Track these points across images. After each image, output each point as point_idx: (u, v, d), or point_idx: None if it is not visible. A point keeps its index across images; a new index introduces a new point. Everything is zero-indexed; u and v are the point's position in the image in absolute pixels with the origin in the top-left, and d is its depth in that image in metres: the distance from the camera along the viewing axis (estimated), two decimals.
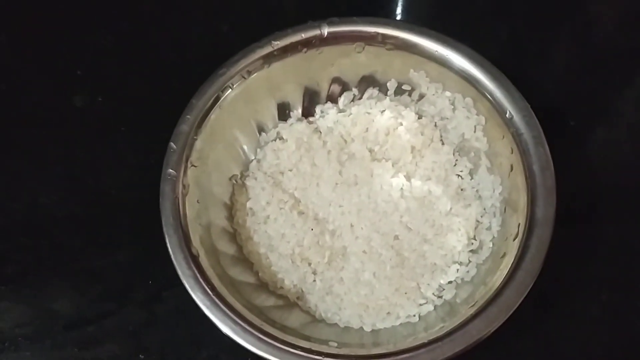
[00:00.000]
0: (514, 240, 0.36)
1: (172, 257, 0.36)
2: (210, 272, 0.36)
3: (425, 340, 0.33)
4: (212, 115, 0.40)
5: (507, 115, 0.38)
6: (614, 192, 0.45)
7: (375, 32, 0.41)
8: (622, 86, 0.51)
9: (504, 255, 0.36)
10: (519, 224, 0.36)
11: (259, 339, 0.34)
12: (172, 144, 0.39)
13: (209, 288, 0.35)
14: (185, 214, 0.37)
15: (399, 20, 0.42)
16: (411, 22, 0.53)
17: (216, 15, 0.54)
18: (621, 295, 0.42)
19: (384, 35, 0.41)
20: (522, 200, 0.37)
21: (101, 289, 0.43)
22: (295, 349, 0.33)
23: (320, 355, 0.33)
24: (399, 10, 0.55)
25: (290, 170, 0.43)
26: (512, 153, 0.38)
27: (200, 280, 0.35)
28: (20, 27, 0.54)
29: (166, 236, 0.36)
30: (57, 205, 0.46)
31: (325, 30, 0.41)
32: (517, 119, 0.38)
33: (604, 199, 0.45)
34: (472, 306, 0.34)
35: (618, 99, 0.50)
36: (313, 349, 0.33)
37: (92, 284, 0.43)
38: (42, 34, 0.54)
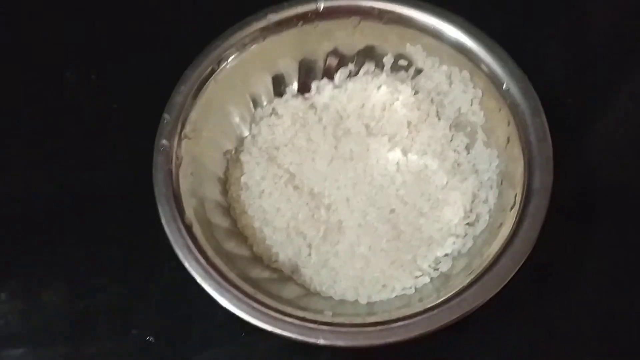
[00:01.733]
0: (511, 210, 0.35)
1: (165, 226, 0.35)
2: (203, 242, 0.35)
3: (421, 309, 0.33)
4: (207, 88, 0.40)
5: (503, 87, 0.38)
6: (611, 189, 0.44)
7: (370, 6, 0.41)
8: (619, 83, 0.50)
9: (501, 225, 0.36)
10: (515, 195, 0.36)
11: (253, 307, 0.33)
12: (165, 114, 0.38)
13: (202, 257, 0.34)
14: (178, 185, 0.37)
15: None
16: None
17: None
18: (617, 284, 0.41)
19: (380, 9, 0.41)
20: (518, 171, 0.36)
21: (93, 265, 0.42)
22: (290, 318, 0.33)
23: (315, 324, 0.33)
24: None
25: (286, 146, 0.42)
26: (508, 125, 0.38)
27: (194, 249, 0.35)
28: (9, 3, 0.54)
29: (159, 206, 0.36)
30: (48, 181, 0.45)
31: (322, 4, 0.41)
32: (514, 90, 0.38)
33: (602, 196, 0.44)
34: (469, 274, 0.34)
35: (615, 96, 0.50)
36: (308, 317, 0.33)
37: (84, 260, 0.42)
38: (33, 9, 0.53)
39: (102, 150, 0.47)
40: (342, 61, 0.44)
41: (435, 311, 0.32)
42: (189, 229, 0.35)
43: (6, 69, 0.51)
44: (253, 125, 0.44)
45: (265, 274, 0.39)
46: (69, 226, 0.44)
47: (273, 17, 0.41)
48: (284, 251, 0.40)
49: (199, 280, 0.34)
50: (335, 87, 0.44)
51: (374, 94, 0.43)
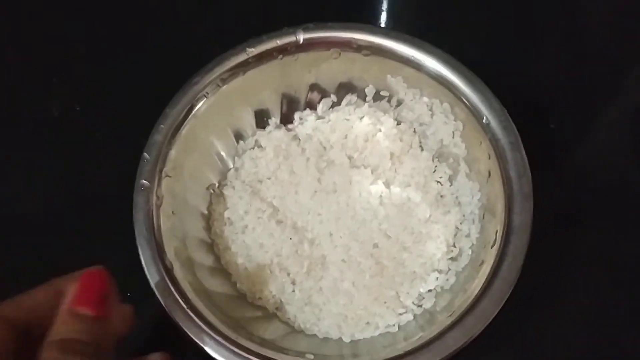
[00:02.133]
0: (492, 247, 0.35)
1: (145, 269, 0.35)
2: (184, 285, 0.35)
3: (402, 352, 0.33)
4: (187, 125, 0.40)
5: (484, 121, 0.38)
6: (596, 194, 0.45)
7: (350, 37, 0.41)
8: (604, 87, 0.50)
9: (482, 263, 0.36)
10: (497, 231, 0.35)
11: (234, 352, 0.33)
12: (145, 154, 0.38)
13: (182, 300, 0.34)
14: (159, 226, 0.37)
15: (374, 25, 0.41)
16: (394, 24, 0.53)
17: (192, 22, 0.54)
18: (602, 298, 0.41)
19: (359, 41, 0.41)
20: (499, 206, 0.36)
21: None
22: None
23: None
24: (383, 13, 0.54)
25: (269, 179, 0.42)
26: (489, 159, 0.38)
27: (174, 292, 0.34)
28: None
29: (139, 248, 0.36)
30: (30, 215, 0.45)
31: (301, 37, 0.41)
32: (494, 124, 0.37)
33: (586, 202, 0.44)
34: (450, 315, 0.34)
35: (600, 100, 0.50)
36: None
37: None
38: (18, 41, 0.53)
39: (85, 181, 0.47)
40: (324, 93, 0.44)
41: (417, 354, 0.32)
42: (169, 271, 0.35)
43: None
44: (236, 159, 0.43)
45: (249, 311, 0.39)
46: (50, 262, 0.43)
47: (252, 51, 0.41)
48: (267, 287, 0.39)
49: (180, 323, 0.34)
50: (318, 117, 0.44)
51: (357, 124, 0.43)
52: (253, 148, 0.44)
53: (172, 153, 0.39)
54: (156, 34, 0.53)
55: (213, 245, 0.41)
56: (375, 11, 0.55)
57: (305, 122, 0.44)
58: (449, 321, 0.33)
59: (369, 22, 0.53)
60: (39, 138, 0.49)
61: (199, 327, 0.34)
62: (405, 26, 0.55)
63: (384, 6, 0.54)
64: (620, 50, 0.51)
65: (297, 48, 0.41)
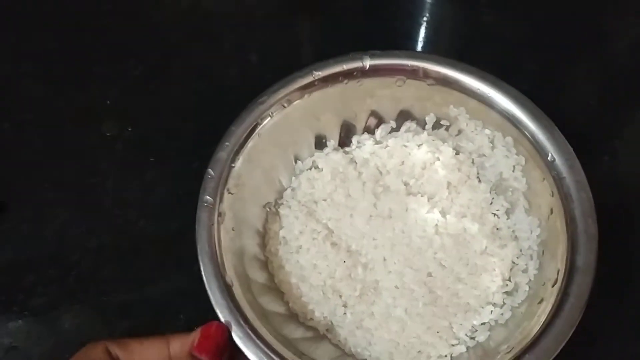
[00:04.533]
0: (553, 286, 0.35)
1: (207, 286, 0.35)
2: (243, 303, 0.36)
3: None
4: (250, 143, 0.40)
5: (548, 158, 0.38)
6: None
7: (417, 66, 0.41)
8: None
9: (542, 300, 0.35)
10: (558, 270, 0.35)
11: None
12: (210, 170, 0.39)
13: (242, 319, 0.34)
14: (220, 242, 0.37)
15: (441, 56, 0.41)
16: (438, 54, 0.53)
17: (244, 46, 0.55)
18: None
19: (426, 70, 0.41)
20: (561, 245, 0.36)
21: (130, 324, 0.43)
22: None
23: None
24: (424, 42, 0.55)
25: (325, 200, 0.43)
26: (552, 196, 0.38)
27: (234, 310, 0.35)
28: (50, 57, 0.55)
29: (201, 264, 0.36)
30: (85, 237, 0.46)
31: (367, 63, 0.41)
32: (559, 162, 0.37)
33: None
34: (508, 352, 0.34)
35: None
36: None
37: (120, 318, 0.43)
38: (72, 64, 0.55)
39: (138, 203, 0.48)
40: (383, 120, 0.44)
41: None
42: (229, 288, 0.36)
43: (44, 122, 0.52)
44: (293, 178, 0.44)
45: (300, 331, 0.39)
46: (104, 283, 0.45)
47: (319, 74, 0.41)
48: (319, 309, 0.40)
49: (239, 343, 0.34)
50: (376, 142, 0.45)
51: (415, 152, 0.43)
52: (310, 169, 0.44)
53: (235, 170, 0.39)
54: (210, 57, 0.55)
55: (267, 263, 0.42)
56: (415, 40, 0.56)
57: (363, 146, 0.45)
58: (507, 357, 0.33)
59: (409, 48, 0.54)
60: (92, 160, 0.50)
61: (258, 346, 0.34)
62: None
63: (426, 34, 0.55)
64: None
65: (362, 73, 0.42)
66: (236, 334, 0.34)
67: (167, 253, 0.45)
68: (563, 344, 0.33)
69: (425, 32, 0.56)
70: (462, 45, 0.56)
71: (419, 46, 0.55)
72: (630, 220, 0.45)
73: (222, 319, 0.35)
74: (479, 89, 0.40)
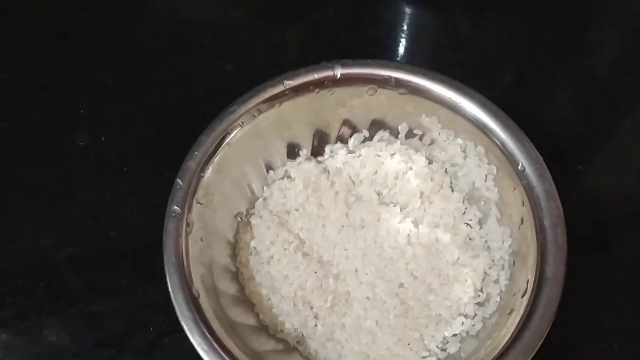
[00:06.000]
0: (522, 297, 0.35)
1: (172, 297, 0.35)
2: (210, 314, 0.35)
3: None
4: (220, 153, 0.40)
5: (519, 167, 0.37)
6: (621, 237, 0.44)
7: (388, 75, 0.41)
8: (631, 127, 0.50)
9: (512, 311, 0.35)
10: (528, 280, 0.35)
11: None
12: (178, 180, 0.38)
13: (207, 331, 0.34)
14: (187, 253, 0.37)
15: (413, 65, 0.41)
16: (415, 64, 0.53)
17: (221, 55, 0.55)
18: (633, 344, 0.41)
19: (398, 80, 0.41)
20: (531, 255, 0.36)
21: (100, 335, 0.42)
22: None
23: None
24: (402, 51, 0.55)
25: (297, 210, 0.42)
26: (522, 205, 0.37)
27: (200, 322, 0.34)
28: (23, 65, 0.55)
29: (167, 275, 0.35)
30: (55, 247, 0.45)
31: (339, 72, 0.41)
32: (530, 171, 0.37)
33: (612, 246, 0.44)
34: None
35: (627, 140, 0.50)
36: None
37: (90, 329, 0.42)
38: (45, 72, 0.54)
39: (110, 213, 0.47)
40: (356, 130, 0.44)
41: None
42: (195, 300, 0.35)
43: (17, 130, 0.51)
44: (265, 188, 0.43)
45: (270, 344, 0.39)
46: (74, 294, 0.44)
47: (290, 83, 0.41)
48: (290, 321, 0.39)
49: (204, 355, 0.33)
50: (349, 152, 0.44)
51: (388, 161, 0.43)
52: (282, 178, 0.44)
53: (205, 180, 0.39)
54: (185, 66, 0.54)
55: (238, 274, 0.41)
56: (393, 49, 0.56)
57: (336, 155, 0.44)
58: None
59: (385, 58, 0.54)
60: (64, 169, 0.49)
61: (223, 359, 0.33)
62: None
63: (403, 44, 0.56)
64: None
65: (334, 83, 0.41)
66: (201, 347, 0.34)
67: (139, 264, 0.45)
68: (531, 356, 0.32)
69: (403, 42, 0.56)
70: (439, 55, 0.56)
71: (397, 55, 0.55)
72: (604, 230, 0.45)
73: (187, 331, 0.34)
74: (450, 97, 0.40)
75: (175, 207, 0.37)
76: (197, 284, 0.36)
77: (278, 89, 0.41)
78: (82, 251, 0.45)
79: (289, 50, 0.56)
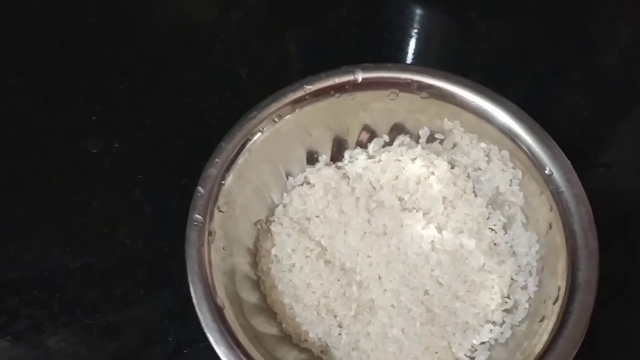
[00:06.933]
0: (554, 304, 0.34)
1: (197, 308, 0.34)
2: (234, 325, 0.34)
3: None
4: (241, 159, 0.39)
5: (546, 172, 0.37)
6: None
7: (410, 79, 0.40)
8: None
9: (543, 318, 0.34)
10: (559, 287, 0.34)
11: None
12: (199, 187, 0.37)
13: (234, 343, 0.33)
14: (210, 262, 0.36)
15: (435, 69, 0.40)
16: (430, 67, 0.53)
17: (233, 60, 0.54)
18: None
19: (420, 83, 0.40)
20: (561, 261, 0.35)
21: (116, 346, 0.41)
22: None
23: None
24: (416, 54, 0.55)
25: (317, 217, 0.42)
26: (550, 210, 0.37)
27: (225, 333, 0.33)
28: (35, 72, 0.54)
29: (191, 286, 0.35)
30: (70, 257, 0.44)
31: (360, 76, 0.41)
32: (557, 175, 0.37)
33: (637, 246, 0.43)
34: None
35: None
36: None
37: (106, 341, 0.41)
38: (56, 79, 0.53)
39: (125, 221, 0.46)
40: (376, 133, 0.43)
41: None
42: (220, 311, 0.34)
43: (29, 139, 0.50)
44: (285, 195, 0.43)
45: (294, 354, 0.38)
46: (90, 304, 0.43)
47: (310, 88, 0.40)
48: (313, 330, 0.38)
49: None
50: (369, 157, 0.44)
51: (409, 166, 0.43)
52: (302, 185, 0.43)
53: (225, 187, 0.38)
54: (199, 72, 0.54)
55: (259, 283, 0.40)
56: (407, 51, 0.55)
57: (356, 160, 0.44)
58: None
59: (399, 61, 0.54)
60: (77, 177, 0.48)
61: None
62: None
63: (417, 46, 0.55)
64: None
65: (355, 87, 0.41)
66: (228, 359, 0.33)
67: (155, 273, 0.44)
68: None
69: (416, 44, 0.55)
70: (453, 57, 0.55)
71: (411, 58, 0.54)
72: (624, 233, 0.44)
73: (213, 342, 0.33)
74: (473, 101, 0.39)
75: (197, 215, 0.37)
76: (221, 294, 0.35)
77: (298, 93, 0.40)
78: (97, 260, 0.45)
79: (301, 54, 0.56)
